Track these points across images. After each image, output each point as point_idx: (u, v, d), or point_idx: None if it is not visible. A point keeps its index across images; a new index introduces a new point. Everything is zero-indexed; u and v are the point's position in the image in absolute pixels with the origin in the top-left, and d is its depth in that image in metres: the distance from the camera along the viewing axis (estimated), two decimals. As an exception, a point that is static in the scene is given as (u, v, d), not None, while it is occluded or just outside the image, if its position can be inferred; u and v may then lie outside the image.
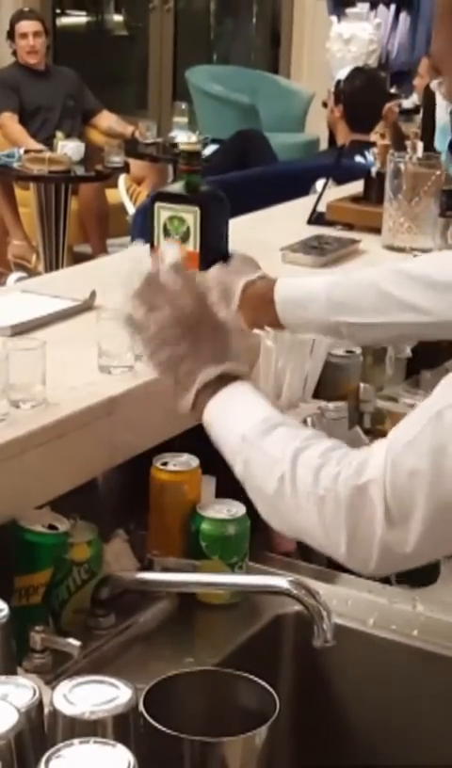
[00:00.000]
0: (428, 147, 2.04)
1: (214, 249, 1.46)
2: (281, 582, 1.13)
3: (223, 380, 1.06)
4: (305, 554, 1.46)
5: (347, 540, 0.93)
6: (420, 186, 1.84)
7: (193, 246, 1.46)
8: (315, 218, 2.10)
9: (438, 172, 1.80)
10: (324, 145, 5.46)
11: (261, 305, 1.33)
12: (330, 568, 1.43)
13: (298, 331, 1.38)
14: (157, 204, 1.48)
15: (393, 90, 5.01)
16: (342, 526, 0.93)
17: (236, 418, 1.04)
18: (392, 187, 1.90)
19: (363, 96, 3.93)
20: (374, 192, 2.06)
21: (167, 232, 1.46)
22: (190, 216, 1.45)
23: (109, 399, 1.26)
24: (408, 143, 2.05)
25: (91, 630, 1.18)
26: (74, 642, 1.08)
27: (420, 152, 2.03)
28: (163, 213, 1.46)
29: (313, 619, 1.08)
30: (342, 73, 4.12)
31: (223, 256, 1.42)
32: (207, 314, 1.11)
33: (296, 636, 1.26)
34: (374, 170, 2.11)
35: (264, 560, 1.36)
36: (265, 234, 2.05)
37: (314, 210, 2.10)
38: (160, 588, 1.24)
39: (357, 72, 4.13)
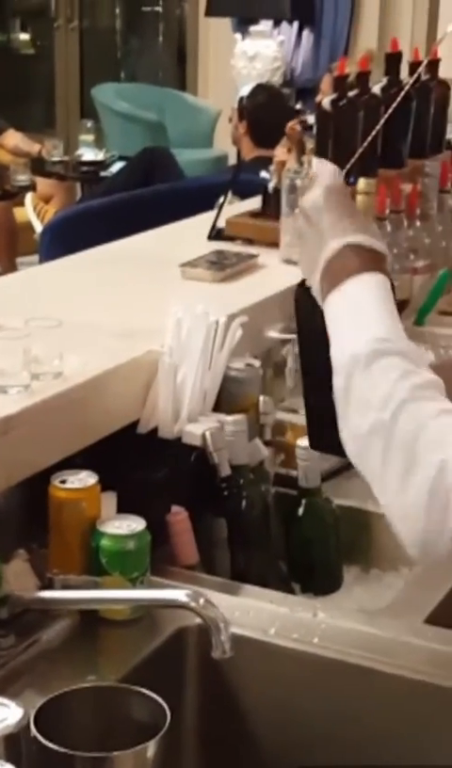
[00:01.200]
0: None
1: None
2: (178, 594, 1.14)
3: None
4: (208, 567, 1.47)
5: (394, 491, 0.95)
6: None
7: None
8: (215, 234, 2.12)
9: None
10: (232, 161, 5.50)
11: None
12: (234, 579, 1.45)
13: None
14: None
15: (298, 107, 5.07)
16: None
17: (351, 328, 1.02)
18: (288, 202, 1.93)
19: (265, 112, 3.98)
20: (271, 207, 2.09)
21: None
22: None
23: (5, 418, 1.26)
24: (304, 158, 2.08)
25: (-9, 650, 1.18)
26: (-30, 664, 1.07)
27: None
28: None
29: (210, 631, 1.09)
30: (245, 90, 4.18)
31: None
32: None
33: (199, 648, 1.26)
34: (271, 186, 2.14)
35: (166, 574, 1.36)
36: (166, 250, 2.06)
37: (214, 226, 2.12)
38: (61, 606, 1.24)
39: (259, 88, 4.19)
